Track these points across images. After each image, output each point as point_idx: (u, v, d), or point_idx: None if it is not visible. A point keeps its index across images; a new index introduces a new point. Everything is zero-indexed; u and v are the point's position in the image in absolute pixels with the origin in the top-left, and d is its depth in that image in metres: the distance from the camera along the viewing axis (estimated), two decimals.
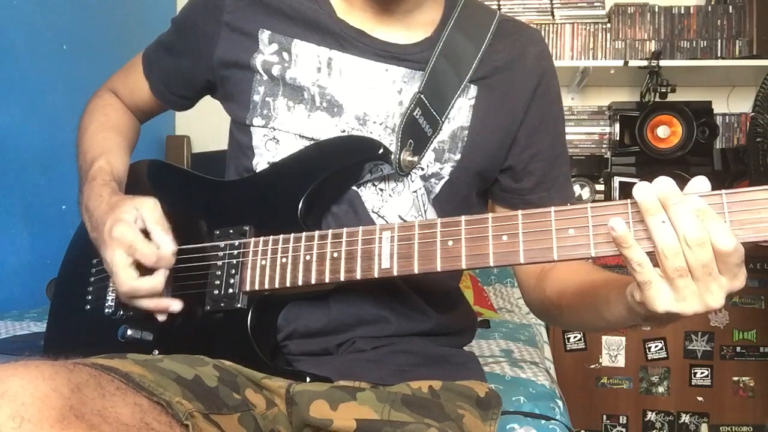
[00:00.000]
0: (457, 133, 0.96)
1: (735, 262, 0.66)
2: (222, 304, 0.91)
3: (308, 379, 0.88)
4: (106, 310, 1.00)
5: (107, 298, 1.01)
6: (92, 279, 1.07)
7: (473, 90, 0.97)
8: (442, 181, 0.97)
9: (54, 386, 0.60)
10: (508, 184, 1.02)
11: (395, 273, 0.81)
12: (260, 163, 0.98)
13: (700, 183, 0.67)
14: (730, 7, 2.87)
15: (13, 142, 2.09)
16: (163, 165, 1.15)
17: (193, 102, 1.14)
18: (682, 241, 0.65)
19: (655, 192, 0.66)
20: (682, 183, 0.67)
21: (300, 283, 0.86)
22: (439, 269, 0.79)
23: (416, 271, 0.80)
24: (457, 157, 0.96)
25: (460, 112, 0.96)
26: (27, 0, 2.14)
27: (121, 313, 0.99)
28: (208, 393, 0.78)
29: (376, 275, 0.82)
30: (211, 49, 1.00)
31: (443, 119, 0.95)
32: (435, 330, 0.98)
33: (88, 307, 1.06)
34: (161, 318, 0.93)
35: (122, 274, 0.89)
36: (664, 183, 0.66)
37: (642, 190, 0.66)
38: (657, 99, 2.75)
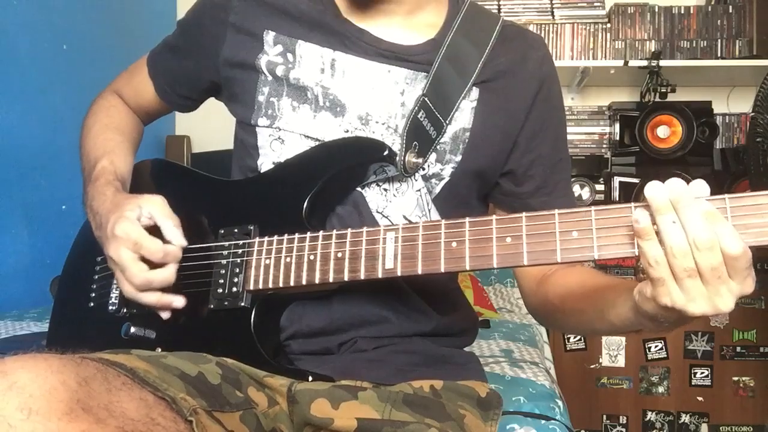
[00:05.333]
0: (459, 134, 0.97)
1: (743, 265, 0.66)
2: (226, 303, 0.91)
3: (310, 378, 0.88)
4: (110, 308, 1.01)
5: (111, 295, 1.02)
6: (96, 277, 1.07)
7: (475, 93, 0.98)
8: (443, 182, 0.97)
9: (62, 379, 0.61)
10: (509, 187, 1.02)
11: (399, 273, 0.81)
12: (265, 163, 0.99)
13: (699, 187, 0.67)
14: (730, 7, 2.87)
15: (13, 142, 2.09)
16: (167, 164, 1.15)
17: (197, 103, 1.15)
18: (692, 243, 0.65)
19: (666, 192, 0.66)
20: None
21: (304, 282, 0.86)
22: (442, 270, 0.79)
23: (420, 272, 0.80)
24: (458, 158, 0.97)
25: (462, 114, 0.97)
26: (27, 0, 2.14)
27: (125, 310, 0.99)
28: (211, 390, 0.78)
29: (380, 275, 0.82)
30: (217, 50, 1.01)
31: (447, 122, 0.95)
32: (436, 331, 0.98)
33: (92, 304, 1.06)
34: (165, 315, 0.93)
35: (133, 268, 0.89)
36: (677, 184, 0.66)
37: (654, 189, 0.66)
38: (657, 99, 2.75)
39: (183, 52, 1.08)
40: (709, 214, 0.65)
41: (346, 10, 0.98)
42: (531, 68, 1.00)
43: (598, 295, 0.84)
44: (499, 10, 2.93)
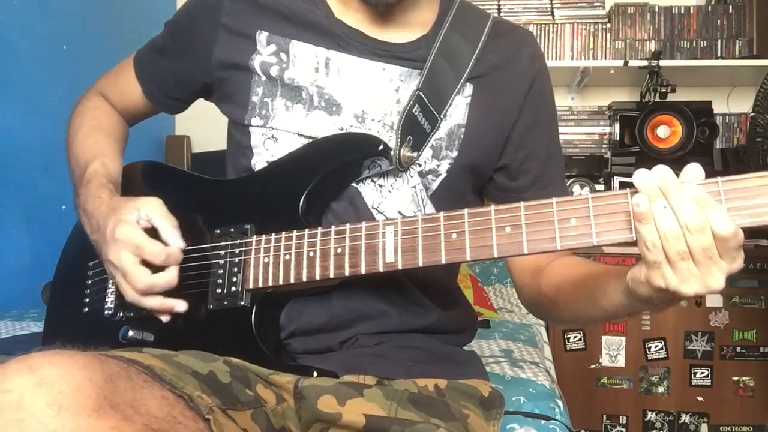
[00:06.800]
0: (454, 130, 0.98)
1: (734, 246, 0.67)
2: (225, 303, 0.91)
3: (315, 374, 0.88)
4: (106, 312, 1.00)
5: (107, 299, 1.01)
6: (90, 282, 1.06)
7: (469, 88, 0.99)
8: (440, 178, 0.98)
9: (89, 375, 0.61)
10: (503, 182, 1.04)
11: (400, 267, 0.82)
12: (259, 163, 0.99)
13: (694, 170, 0.69)
14: (730, 7, 2.87)
15: (13, 142, 2.09)
16: (158, 166, 1.14)
17: (186, 104, 1.14)
18: (683, 226, 0.66)
19: (655, 179, 0.68)
20: None
21: (304, 279, 0.87)
22: (443, 262, 0.80)
23: (421, 264, 0.81)
24: (454, 154, 0.98)
25: (457, 110, 0.98)
26: (27, 0, 2.14)
27: (121, 314, 0.99)
28: (222, 389, 0.78)
29: (380, 269, 0.83)
30: (209, 52, 1.01)
31: (441, 116, 0.96)
32: (436, 326, 0.99)
33: (87, 309, 1.05)
34: (164, 318, 0.93)
35: (136, 272, 0.88)
36: (663, 171, 0.68)
37: (642, 177, 0.68)
38: (657, 99, 2.76)
39: (173, 53, 1.08)
40: (699, 198, 0.67)
41: (339, 11, 0.99)
42: (524, 64, 1.02)
43: (590, 284, 0.86)
44: (499, 10, 2.93)
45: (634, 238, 0.71)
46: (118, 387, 0.63)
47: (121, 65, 1.15)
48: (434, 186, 0.98)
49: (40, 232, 2.18)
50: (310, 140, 0.96)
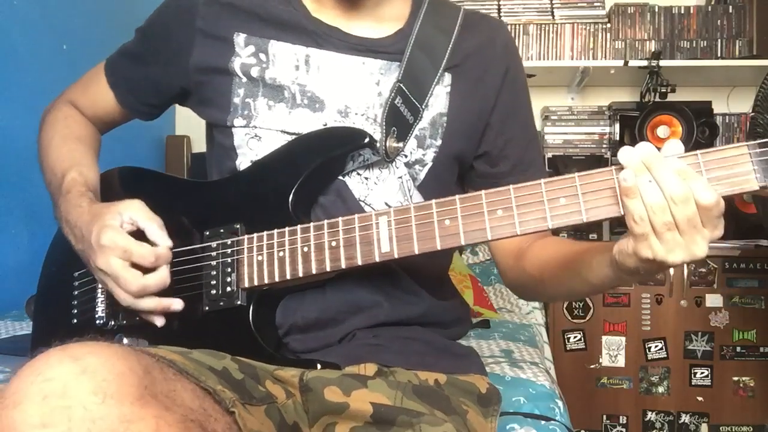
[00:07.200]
0: (437, 119, 1.00)
1: (716, 214, 0.71)
2: (221, 303, 0.91)
3: (319, 366, 0.88)
4: (98, 322, 0.99)
5: (97, 309, 1.00)
6: (76, 292, 1.05)
7: (448, 78, 1.01)
8: (426, 168, 1.00)
9: (129, 366, 0.61)
10: (484, 169, 1.05)
11: (396, 255, 0.83)
12: (243, 163, 0.99)
13: (674, 145, 0.73)
14: (730, 7, 2.87)
15: (13, 142, 2.09)
16: (137, 171, 1.12)
17: (161, 110, 1.14)
18: (669, 198, 0.70)
19: (638, 155, 0.72)
20: None
21: (300, 274, 0.87)
22: (439, 248, 0.82)
23: (417, 252, 0.82)
24: (438, 142, 1.00)
25: (438, 100, 1.00)
26: (27, 0, 2.14)
27: (113, 322, 0.98)
28: (237, 384, 0.78)
29: (377, 259, 0.84)
30: (186, 57, 1.01)
31: (423, 107, 0.98)
32: (429, 316, 1.00)
33: (76, 321, 1.04)
34: (159, 322, 0.92)
35: (127, 276, 0.88)
36: (646, 147, 0.72)
37: (627, 153, 0.72)
38: (657, 99, 2.76)
39: (147, 59, 1.08)
40: (681, 171, 0.71)
41: (316, 10, 1.00)
42: (498, 51, 1.04)
43: (575, 260, 0.88)
44: (499, 9, 2.93)
45: (622, 213, 0.74)
46: (155, 378, 0.64)
47: (90, 74, 1.15)
48: (421, 176, 0.99)
49: (40, 232, 2.18)
50: (295, 137, 0.96)
